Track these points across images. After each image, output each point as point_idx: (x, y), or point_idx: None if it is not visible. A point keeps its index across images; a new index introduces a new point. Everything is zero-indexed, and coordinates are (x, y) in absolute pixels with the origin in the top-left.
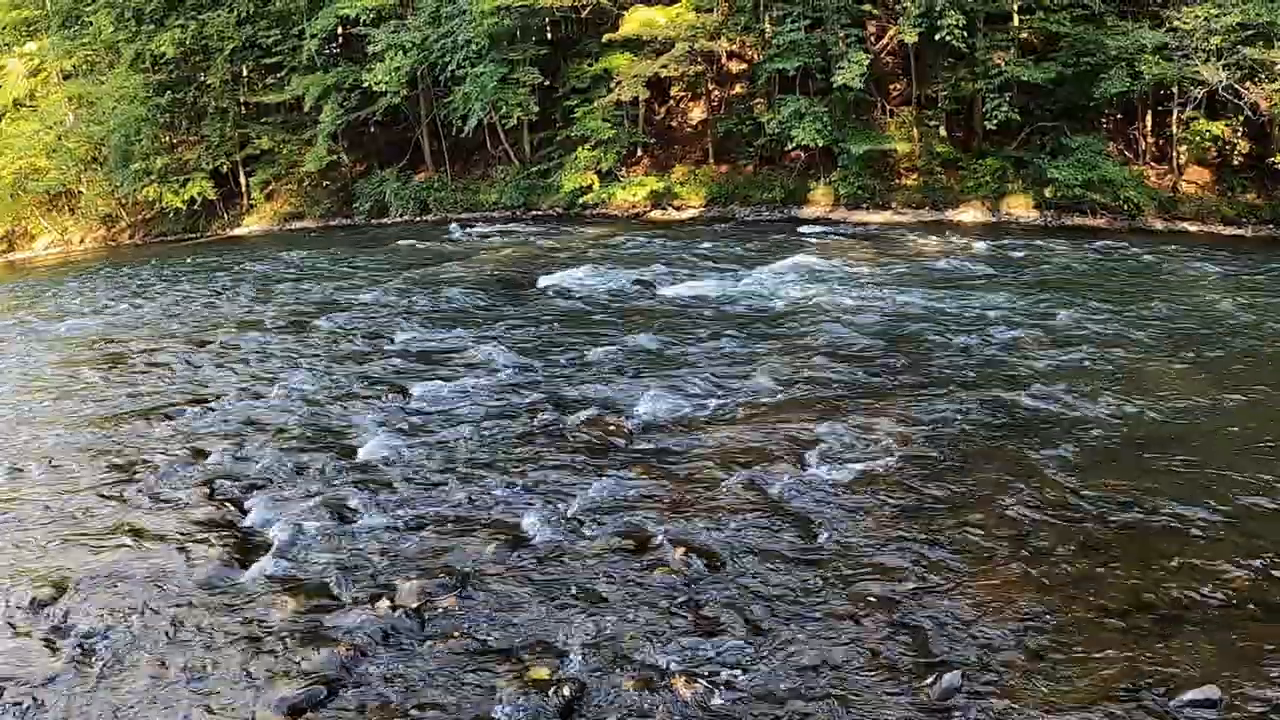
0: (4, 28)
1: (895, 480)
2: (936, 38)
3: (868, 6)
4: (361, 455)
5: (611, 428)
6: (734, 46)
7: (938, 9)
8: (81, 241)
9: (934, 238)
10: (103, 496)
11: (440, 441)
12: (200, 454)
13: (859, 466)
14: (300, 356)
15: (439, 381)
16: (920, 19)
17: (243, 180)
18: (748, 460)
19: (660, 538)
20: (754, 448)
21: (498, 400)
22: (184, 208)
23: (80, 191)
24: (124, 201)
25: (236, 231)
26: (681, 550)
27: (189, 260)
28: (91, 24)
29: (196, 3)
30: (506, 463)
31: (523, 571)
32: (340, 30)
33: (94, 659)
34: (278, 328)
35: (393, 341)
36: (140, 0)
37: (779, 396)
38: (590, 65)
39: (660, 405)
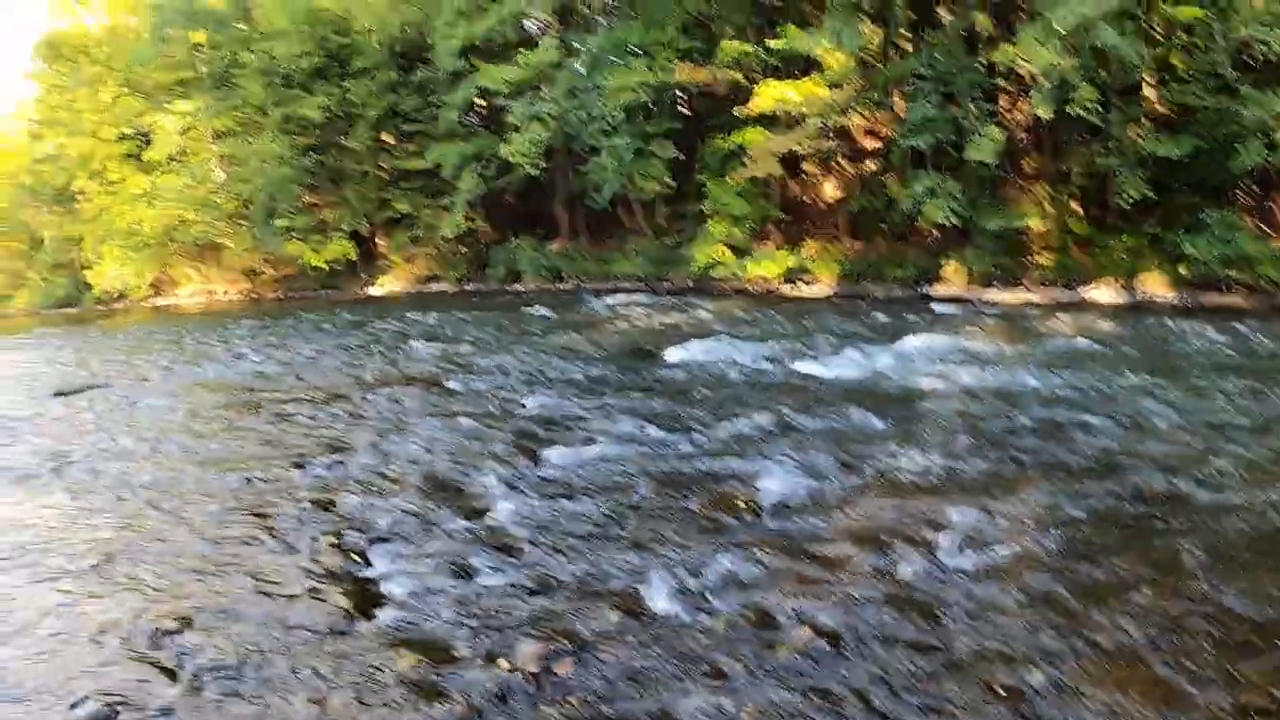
0: (160, 87)
1: (1026, 568)
2: (1069, 111)
3: (1000, 80)
4: (487, 515)
5: (739, 502)
6: (867, 122)
7: (1070, 82)
8: (225, 292)
9: (1067, 317)
10: (233, 537)
11: (566, 507)
12: (329, 504)
13: (990, 553)
14: (431, 415)
15: (568, 447)
16: (1052, 92)
17: (381, 242)
18: (876, 541)
19: (784, 616)
20: (883, 529)
21: (624, 469)
22: (324, 266)
23: (225, 245)
24: (267, 256)
25: (373, 291)
26: (806, 630)
27: (327, 316)
28: (242, 87)
29: (342, 71)
30: (632, 531)
31: (642, 642)
32: (479, 101)
33: (208, 692)
34: (410, 386)
35: (523, 405)
36: (288, 67)
37: (909, 477)
38: (724, 140)
39: (788, 481)
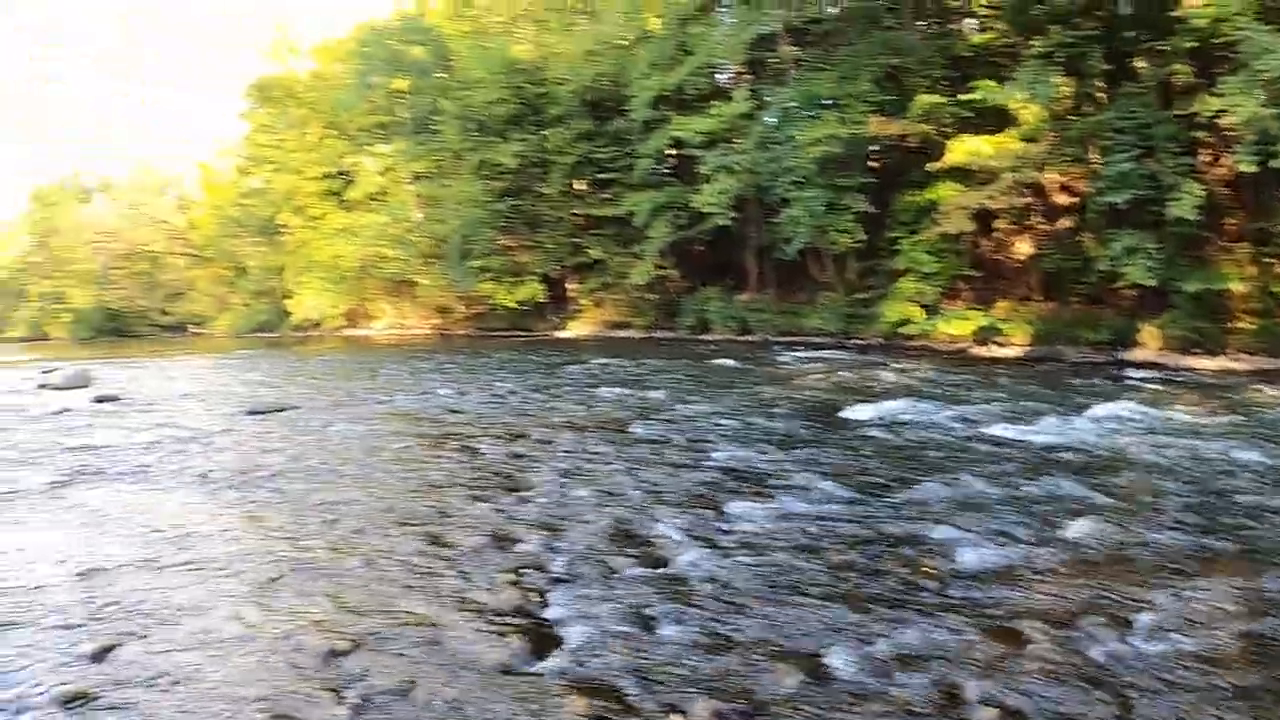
0: (362, 130)
1: (1227, 657)
2: (1273, 166)
3: (1199, 133)
4: (668, 565)
5: (926, 568)
6: (1061, 178)
7: (1274, 135)
8: (417, 327)
9: (1273, 389)
10: (411, 564)
11: (749, 562)
12: (509, 540)
13: (1187, 638)
14: (615, 460)
15: (751, 502)
16: (1255, 146)
17: (572, 286)
18: (1067, 618)
19: (971, 693)
20: (1075, 605)
21: (810, 528)
22: (515, 306)
23: (419, 281)
24: (459, 295)
25: (562, 334)
26: (993, 711)
27: (516, 356)
28: (440, 132)
29: (537, 119)
30: (816, 592)
31: (821, 708)
32: (672, 151)
33: (372, 716)
34: (596, 429)
35: (708, 456)
36: (485, 114)
37: (1104, 551)
38: (915, 195)
39: (978, 550)
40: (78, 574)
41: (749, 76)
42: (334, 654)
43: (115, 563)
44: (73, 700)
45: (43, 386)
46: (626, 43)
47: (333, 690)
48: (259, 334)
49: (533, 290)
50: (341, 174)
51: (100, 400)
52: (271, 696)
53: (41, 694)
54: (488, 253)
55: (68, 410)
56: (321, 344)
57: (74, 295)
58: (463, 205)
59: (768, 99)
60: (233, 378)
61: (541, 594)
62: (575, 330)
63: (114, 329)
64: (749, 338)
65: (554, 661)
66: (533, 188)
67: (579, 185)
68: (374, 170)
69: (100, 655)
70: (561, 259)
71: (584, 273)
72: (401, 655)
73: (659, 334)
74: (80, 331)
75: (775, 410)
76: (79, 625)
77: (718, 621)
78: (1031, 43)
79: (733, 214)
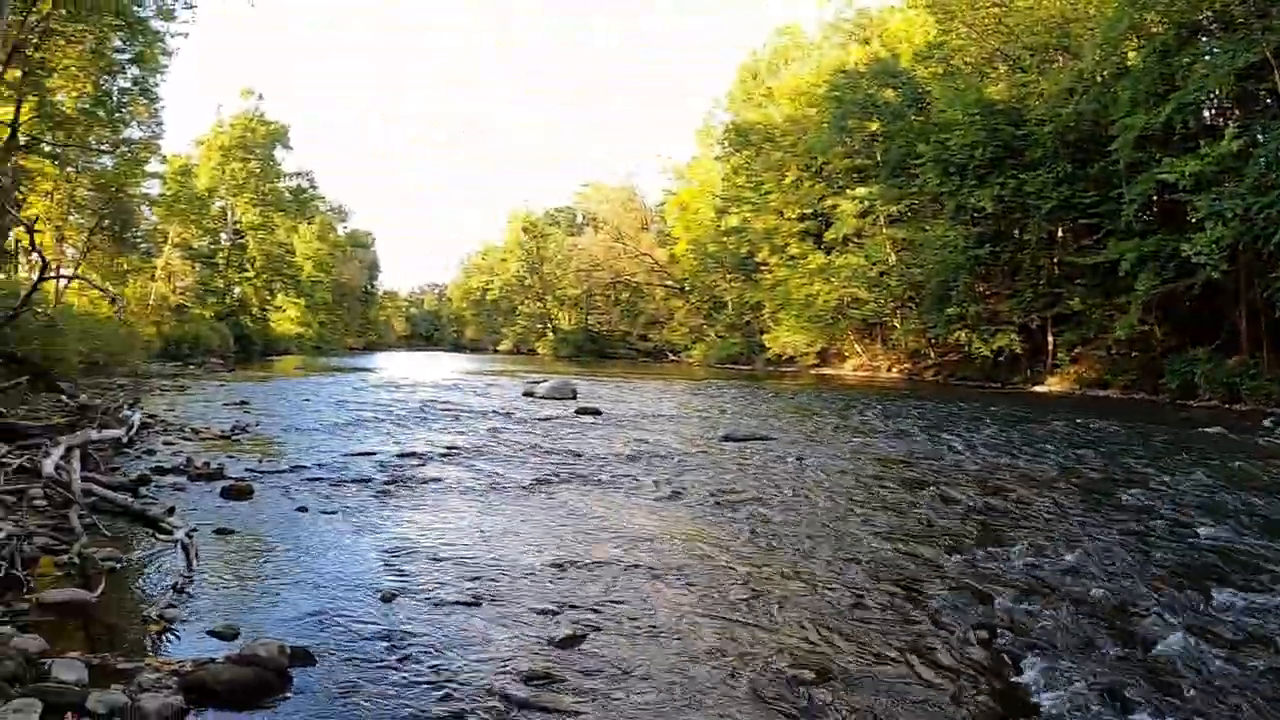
0: (839, 173)
1: None
2: None
3: None
4: (1150, 646)
5: None
6: None
7: None
8: (887, 370)
9: None
10: (880, 604)
11: (1238, 657)
12: (983, 596)
13: None
14: (1095, 525)
15: (1245, 591)
16: None
17: (1049, 338)
18: None
19: None
20: None
21: None
22: (989, 356)
23: (893, 325)
24: (932, 341)
25: (1036, 388)
26: None
27: (988, 407)
28: (917, 175)
29: (1015, 162)
30: None
31: None
32: (1157, 196)
33: None
34: (1074, 490)
35: (1193, 532)
36: (964, 157)
37: None
38: None
39: None
40: (554, 564)
41: (1237, 111)
42: (799, 682)
43: (590, 560)
44: (537, 678)
45: (527, 395)
46: (1104, 78)
47: (797, 718)
48: (732, 365)
49: (1009, 340)
50: (819, 215)
51: (582, 412)
52: (731, 712)
53: (511, 667)
54: (964, 299)
55: (554, 419)
56: (794, 379)
57: (559, 316)
58: (941, 251)
59: (1261, 136)
60: (708, 404)
61: (1015, 658)
62: (1050, 385)
63: (594, 350)
64: (1238, 406)
65: None
66: (1011, 233)
67: (1059, 231)
68: (851, 213)
69: (568, 642)
70: (1039, 309)
71: (1062, 324)
72: (870, 695)
73: (1139, 395)
74: (562, 349)
75: (1268, 490)
76: (553, 612)
77: (1202, 715)
78: None
79: (1225, 265)
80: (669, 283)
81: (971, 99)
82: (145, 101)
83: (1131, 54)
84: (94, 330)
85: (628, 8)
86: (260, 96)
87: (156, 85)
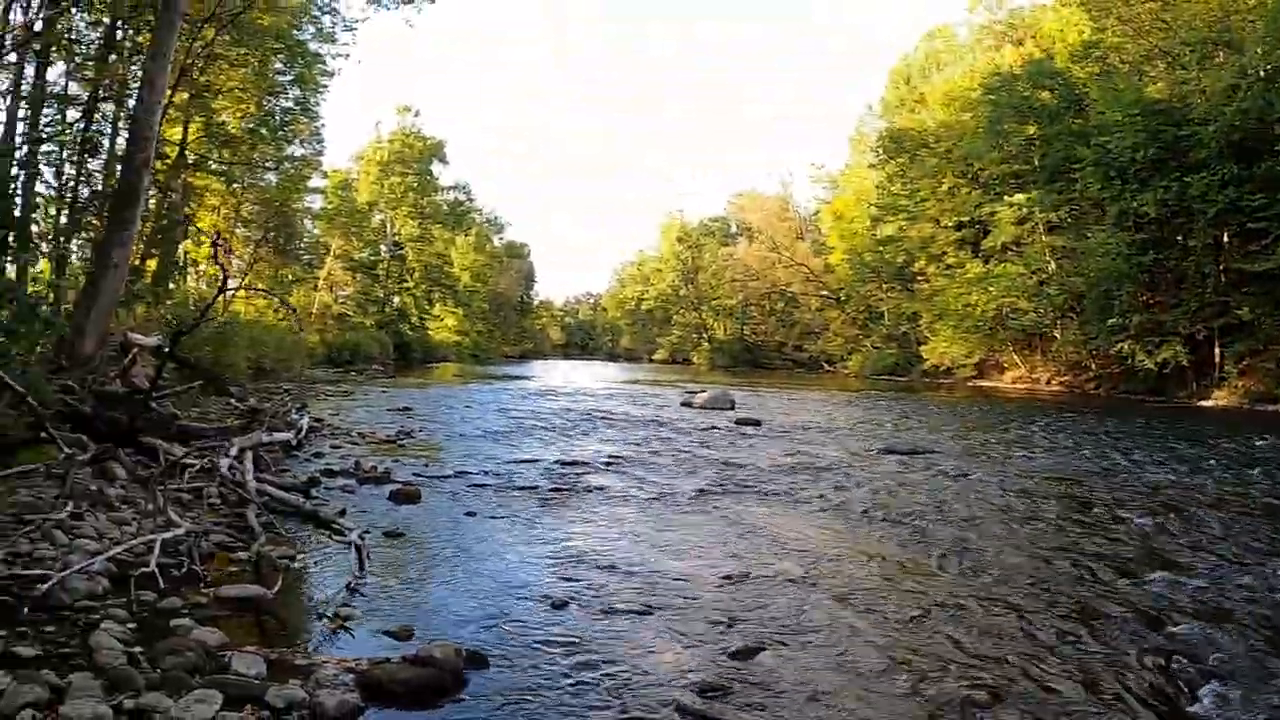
0: (996, 179)
1: None
2: None
3: None
4: None
5: None
6: None
7: None
8: (1047, 382)
9: None
10: (1051, 627)
11: None
12: (1157, 622)
13: None
14: (1271, 551)
15: None
16: None
17: (1216, 350)
18: None
19: None
20: None
21: None
22: (1153, 369)
23: (1053, 336)
24: (1094, 352)
25: (1202, 403)
26: None
27: (1154, 423)
28: (1077, 180)
29: (1180, 164)
30: None
31: None
32: None
33: None
34: (1250, 513)
35: None
36: (1125, 160)
37: None
38: None
39: None
40: (724, 576)
41: None
42: (973, 704)
43: (758, 573)
44: (711, 690)
45: (685, 405)
46: (1269, 73)
47: None
48: (888, 376)
49: (1174, 352)
50: (976, 223)
51: (742, 423)
52: None
53: (686, 678)
54: (1127, 309)
55: (714, 429)
56: (951, 392)
57: (715, 326)
58: (1104, 258)
59: None
60: (866, 416)
61: (1192, 686)
62: (1216, 400)
63: (749, 360)
64: None
65: None
66: (1175, 239)
67: (1225, 236)
68: (1009, 219)
69: (741, 654)
70: (1206, 319)
71: (1232, 335)
72: (1043, 713)
73: None
74: (718, 359)
75: None
76: (725, 624)
77: None
78: None
79: None
80: (824, 292)
81: (1131, 99)
82: (306, 120)
83: None
84: (261, 337)
85: (684, 14)
86: (417, 113)
87: (317, 105)
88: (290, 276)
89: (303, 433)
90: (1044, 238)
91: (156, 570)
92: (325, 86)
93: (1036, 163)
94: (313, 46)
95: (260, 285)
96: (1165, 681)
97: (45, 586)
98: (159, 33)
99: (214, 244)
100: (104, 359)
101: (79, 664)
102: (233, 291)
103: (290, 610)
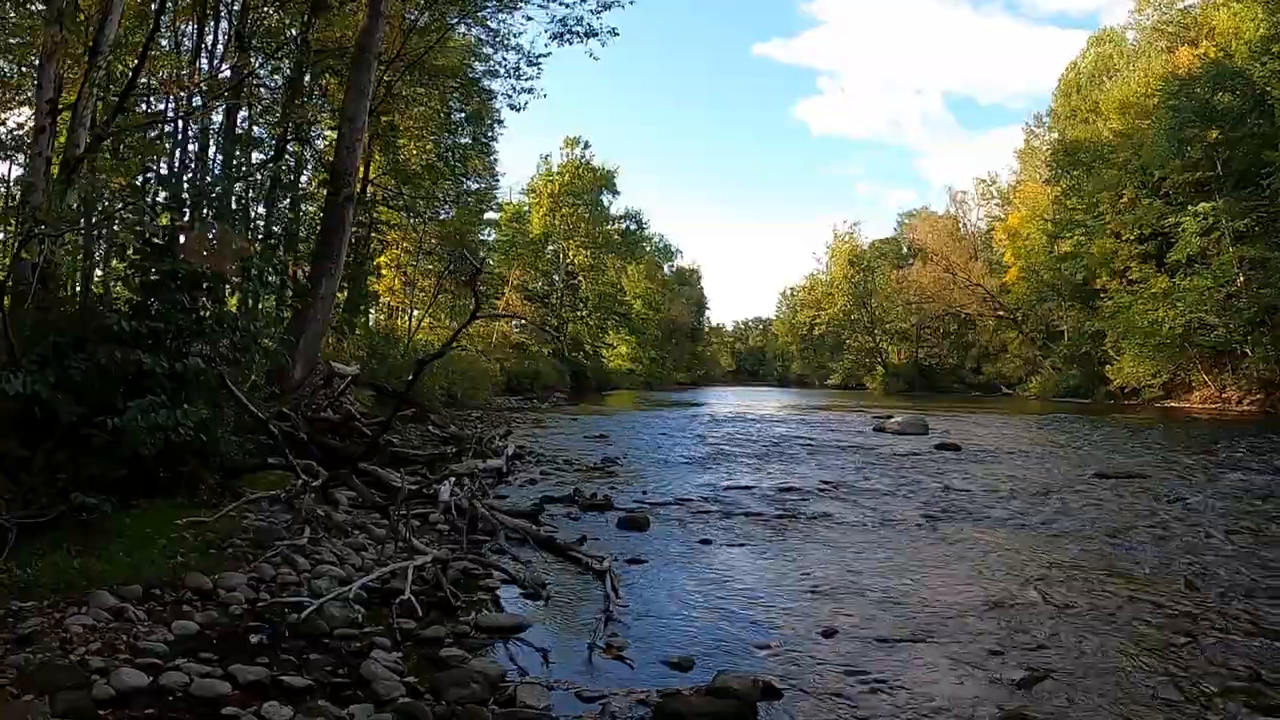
0: (1178, 188)
1: None
2: None
3: None
4: None
5: None
6: None
7: None
8: (1238, 402)
9: None
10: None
11: None
12: None
13: None
14: None
15: None
16: None
17: None
18: None
19: None
20: None
21: None
22: None
23: (1244, 352)
24: None
25: None
26: None
27: None
28: (1266, 186)
29: None
30: None
31: None
32: None
33: None
34: None
35: None
36: None
37: None
38: None
39: None
40: (981, 602)
41: None
42: None
43: (1011, 599)
44: (1010, 719)
45: (879, 430)
46: None
47: None
48: (1070, 399)
49: None
50: (1159, 235)
51: (942, 447)
52: None
53: (979, 709)
54: None
55: (915, 453)
56: (1138, 413)
57: (889, 350)
58: None
59: None
60: (1061, 439)
61: None
62: None
63: (924, 384)
64: None
65: None
66: None
67: None
68: (1194, 230)
69: (1025, 684)
70: None
71: None
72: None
73: None
74: (892, 384)
75: None
76: (998, 652)
77: None
78: None
79: None
80: (1001, 313)
81: None
82: (482, 155)
83: None
84: (451, 367)
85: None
86: (586, 145)
87: (494, 139)
88: (471, 306)
89: (510, 460)
90: (1231, 248)
91: (412, 598)
92: (502, 123)
93: (1220, 169)
94: (489, 84)
95: (501, 310)
96: (1262, 685)
97: (305, 613)
98: (356, 72)
99: (474, 274)
100: (314, 387)
101: (354, 695)
102: (479, 319)
103: (556, 640)
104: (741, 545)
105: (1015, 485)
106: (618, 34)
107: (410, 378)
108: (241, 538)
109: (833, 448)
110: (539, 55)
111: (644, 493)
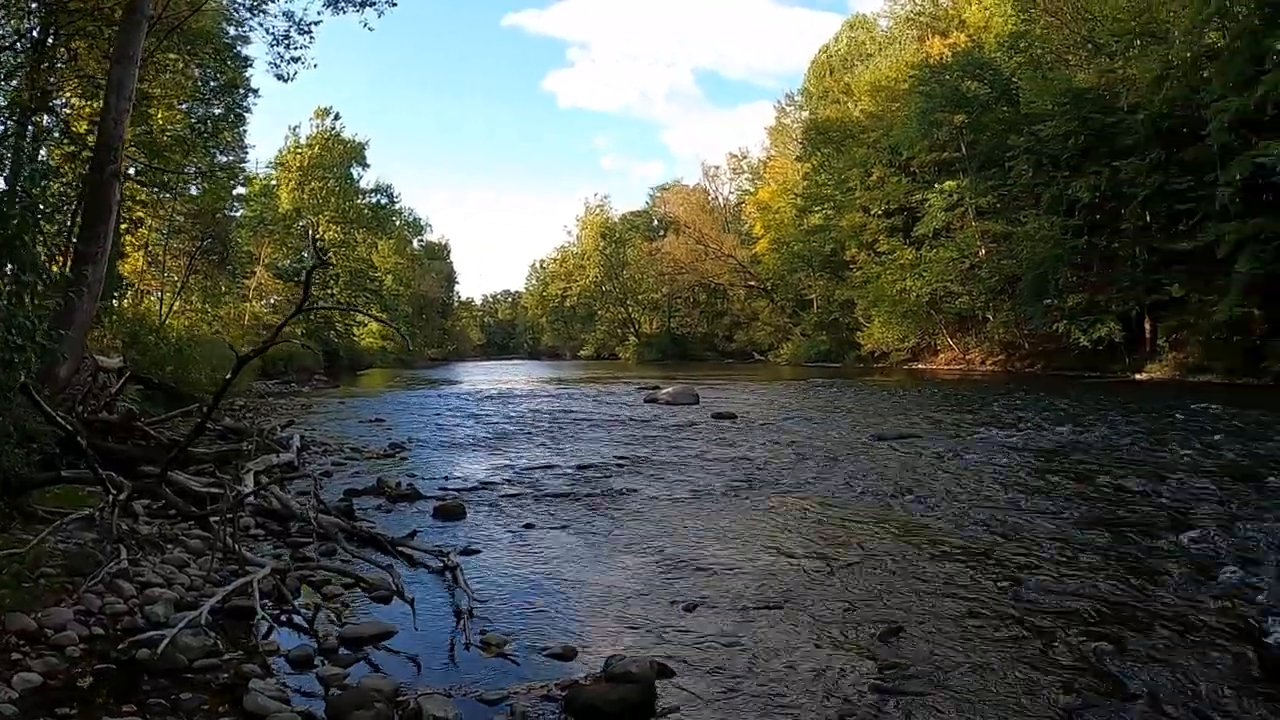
0: (925, 167)
1: None
2: None
3: None
4: None
5: None
6: None
7: None
8: (981, 363)
9: None
10: (1101, 592)
11: None
12: (1205, 571)
13: None
14: (1256, 505)
15: None
16: None
17: (1147, 326)
18: None
19: None
20: None
21: None
22: (1089, 346)
23: (986, 318)
24: (1029, 332)
25: (1137, 376)
26: None
27: (1097, 397)
28: (1009, 167)
29: (1110, 150)
30: None
31: None
32: (1261, 180)
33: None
34: (1221, 474)
35: None
36: (1057, 147)
37: None
38: None
39: None
40: (817, 565)
41: None
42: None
43: (843, 560)
44: (889, 668)
45: (651, 401)
46: (1192, 61)
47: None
48: (821, 363)
49: (1109, 329)
50: (906, 210)
51: (719, 417)
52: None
53: (854, 661)
54: (1062, 290)
55: (694, 424)
56: (888, 376)
57: (641, 320)
58: (1037, 243)
59: None
60: (827, 403)
61: (1256, 621)
62: (1150, 373)
63: (678, 353)
64: None
65: None
66: (1107, 222)
67: (1147, 217)
68: (940, 206)
69: (886, 635)
70: (1138, 297)
71: (1161, 311)
72: (1157, 669)
73: (1242, 380)
74: (646, 353)
75: None
76: (851, 609)
77: None
78: None
79: None
80: (752, 283)
81: (1060, 88)
82: (232, 128)
83: (1212, 35)
84: (213, 353)
85: None
86: (336, 116)
87: (248, 110)
88: (223, 287)
89: (299, 453)
90: (974, 223)
91: (264, 615)
92: (256, 91)
93: (966, 151)
94: (245, 50)
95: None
96: (1230, 619)
97: (160, 647)
98: (124, 34)
99: (312, 268)
100: (85, 385)
101: None
102: (307, 310)
103: (426, 643)
104: (565, 527)
105: (801, 451)
106: (395, 3)
107: (229, 376)
108: (51, 565)
109: (612, 421)
110: (311, 22)
111: (445, 479)
